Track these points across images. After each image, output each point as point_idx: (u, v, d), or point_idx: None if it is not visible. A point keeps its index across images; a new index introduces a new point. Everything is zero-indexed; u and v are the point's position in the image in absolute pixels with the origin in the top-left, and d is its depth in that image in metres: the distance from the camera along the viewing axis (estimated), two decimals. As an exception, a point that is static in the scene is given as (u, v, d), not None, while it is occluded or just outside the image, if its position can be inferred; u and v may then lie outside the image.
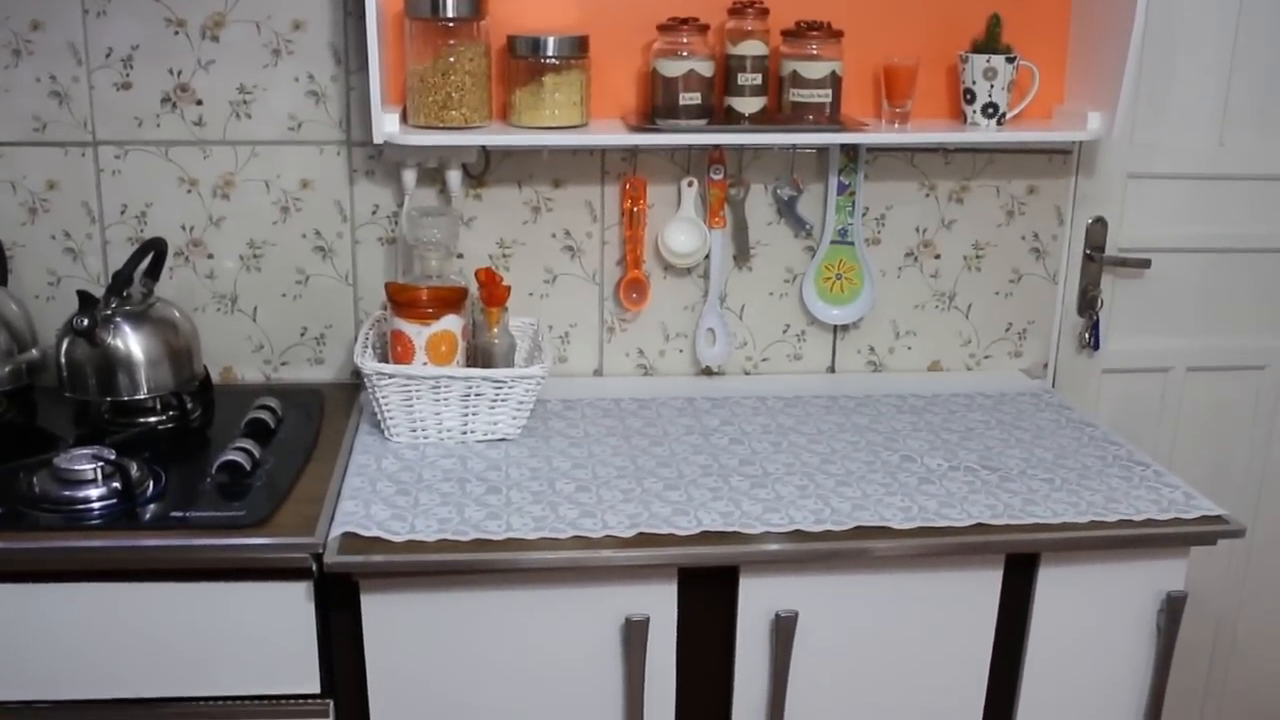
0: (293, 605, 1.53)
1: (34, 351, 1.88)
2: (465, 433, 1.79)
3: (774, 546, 1.54)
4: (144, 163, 1.95)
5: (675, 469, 1.73)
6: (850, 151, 2.05)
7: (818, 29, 1.89)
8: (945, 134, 1.98)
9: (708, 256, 2.06)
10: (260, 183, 1.98)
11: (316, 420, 1.87)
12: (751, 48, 1.88)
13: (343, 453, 1.76)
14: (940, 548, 1.57)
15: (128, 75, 1.91)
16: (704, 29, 1.87)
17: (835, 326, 2.14)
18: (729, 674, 1.62)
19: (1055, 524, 1.60)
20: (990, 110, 1.94)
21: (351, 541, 1.50)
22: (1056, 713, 1.70)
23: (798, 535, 1.55)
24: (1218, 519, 1.64)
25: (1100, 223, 2.17)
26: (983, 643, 1.65)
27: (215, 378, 2.00)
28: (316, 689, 1.57)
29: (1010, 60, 1.91)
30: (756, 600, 1.58)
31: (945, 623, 1.63)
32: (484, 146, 1.96)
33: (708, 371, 2.13)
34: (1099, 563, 1.64)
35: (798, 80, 1.89)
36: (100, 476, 1.59)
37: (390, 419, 1.78)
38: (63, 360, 1.79)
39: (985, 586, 1.63)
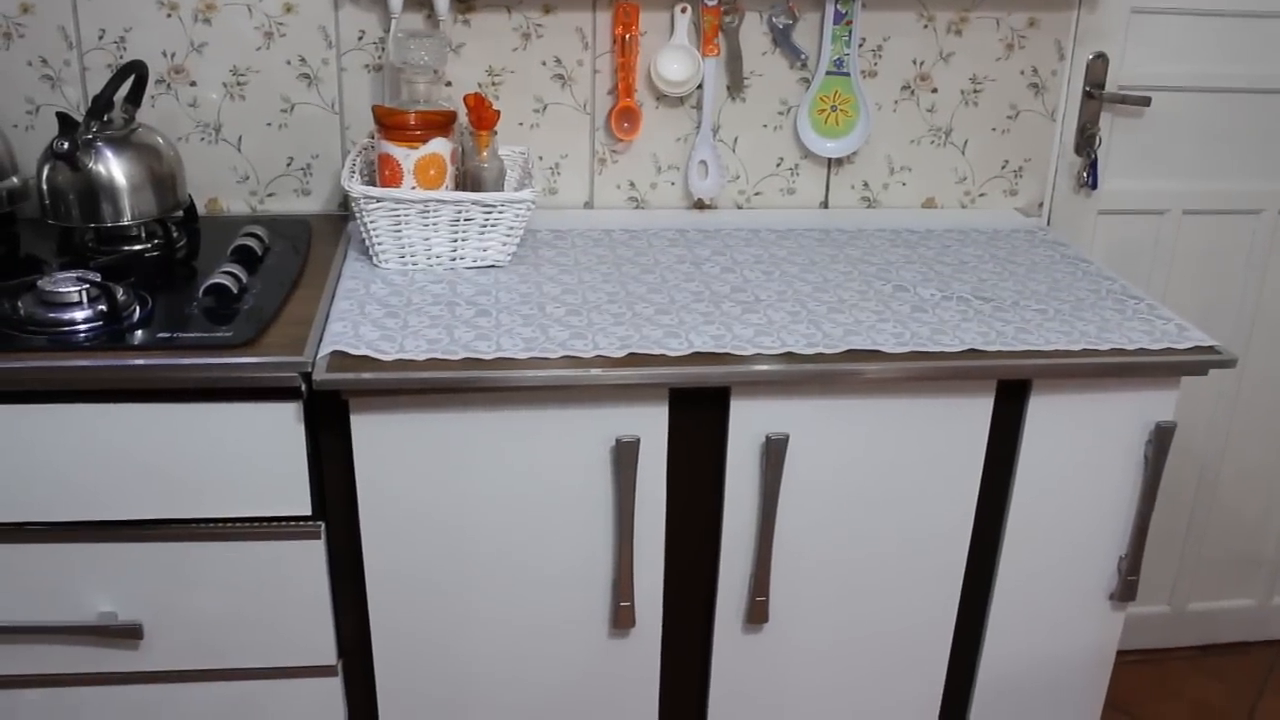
0: (282, 426, 1.52)
1: (14, 179, 1.84)
2: (454, 259, 1.77)
3: (765, 367, 1.54)
4: (121, -16, 1.90)
5: (666, 295, 1.71)
6: (848, -21, 2.00)
7: None
8: (946, -40, 1.93)
9: (700, 86, 2.02)
10: (242, 7, 1.92)
11: (304, 249, 1.85)
12: None
13: (330, 279, 1.74)
14: (932, 371, 1.57)
15: (102, -109, 1.85)
16: None
17: (829, 161, 2.11)
18: (719, 496, 1.62)
19: (1048, 350, 1.60)
20: (993, -65, 1.89)
21: (340, 360, 1.49)
22: (1043, 540, 1.72)
23: (789, 357, 1.55)
24: (1210, 349, 1.63)
25: (1101, 58, 2.13)
26: (972, 468, 1.66)
27: (201, 210, 1.97)
28: (307, 510, 1.57)
29: (1015, -119, 1.86)
30: (747, 422, 1.58)
31: (936, 448, 1.64)
32: (472, -33, 1.91)
33: (699, 205, 2.11)
34: (1090, 391, 1.64)
35: (795, -100, 1.84)
36: (85, 299, 1.57)
37: (379, 244, 1.76)
38: (44, 186, 1.75)
39: (976, 412, 1.63)
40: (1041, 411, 1.64)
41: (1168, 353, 1.62)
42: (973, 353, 1.58)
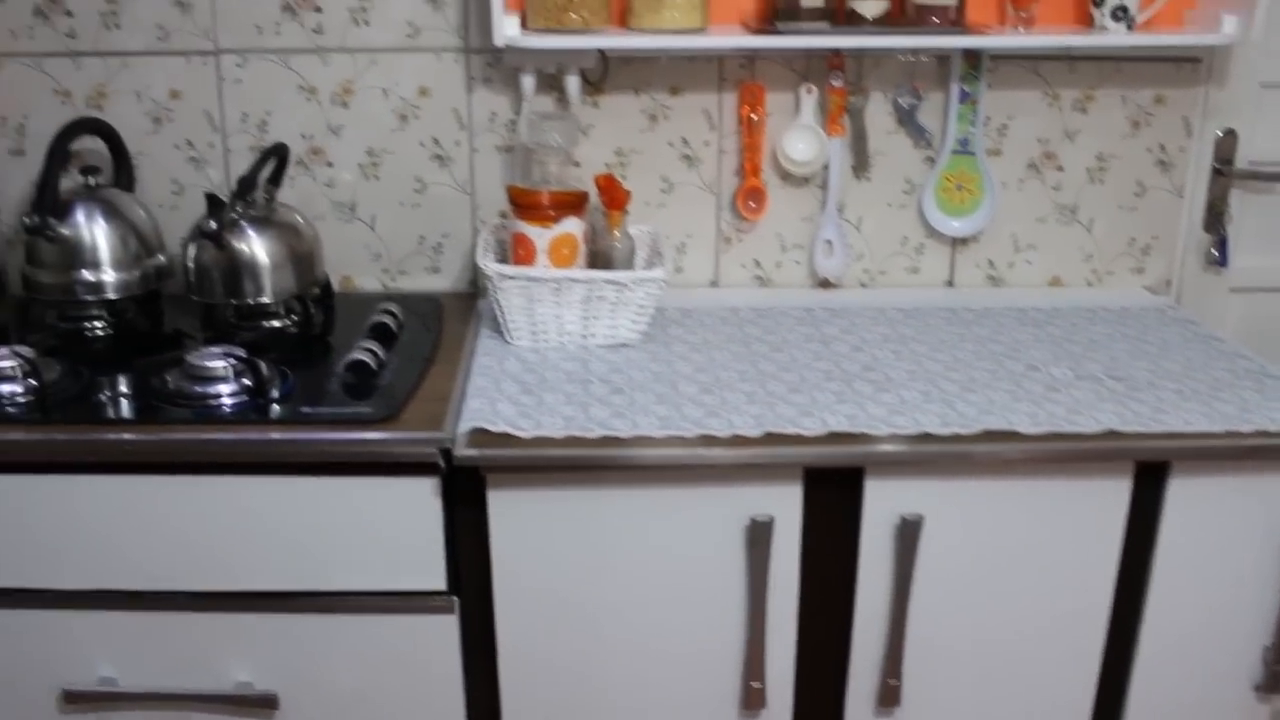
0: (420, 501, 1.54)
1: (160, 257, 1.91)
2: (586, 336, 1.80)
3: (900, 448, 1.53)
4: (264, 71, 1.97)
5: (797, 374, 1.72)
6: (972, 59, 2.00)
7: (944, -71, 1.85)
8: (1072, 37, 1.92)
9: (826, 166, 2.03)
10: (378, 90, 1.99)
11: (436, 326, 1.89)
12: (876, -51, 1.84)
13: (465, 356, 1.77)
14: (1072, 453, 1.54)
15: (249, -18, 1.93)
16: (828, -71, 1.83)
17: (954, 240, 2.11)
18: (852, 577, 1.61)
19: (1189, 433, 1.57)
20: (1120, 13, 1.88)
21: (480, 436, 1.51)
22: (1184, 626, 1.67)
23: (925, 438, 1.54)
24: (1357, 430, 1.59)
25: (1230, 135, 2.10)
26: (1110, 552, 1.62)
27: (335, 286, 2.02)
28: (443, 585, 1.59)
29: (1143, -39, 1.85)
30: (881, 503, 1.57)
31: (1073, 531, 1.61)
32: (602, 51, 1.94)
33: (824, 284, 2.11)
34: (1231, 474, 1.60)
35: (923, -17, 1.85)
36: (232, 373, 1.62)
37: (511, 322, 1.78)
38: (190, 264, 1.82)
39: (1114, 496, 1.60)
40: (1182, 494, 1.61)
41: (1314, 434, 1.59)
42: (1111, 434, 1.56)
